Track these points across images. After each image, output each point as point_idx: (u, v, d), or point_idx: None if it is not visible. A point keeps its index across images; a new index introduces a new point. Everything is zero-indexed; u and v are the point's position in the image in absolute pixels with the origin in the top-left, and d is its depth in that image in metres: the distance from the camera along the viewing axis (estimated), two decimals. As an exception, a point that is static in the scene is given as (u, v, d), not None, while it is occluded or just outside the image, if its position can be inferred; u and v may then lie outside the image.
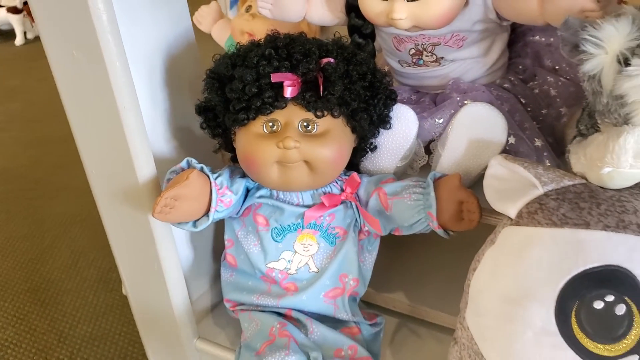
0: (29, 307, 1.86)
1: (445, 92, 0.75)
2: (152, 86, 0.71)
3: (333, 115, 0.64)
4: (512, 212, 0.58)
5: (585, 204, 0.54)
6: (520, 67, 0.80)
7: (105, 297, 1.91)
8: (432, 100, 0.77)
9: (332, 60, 0.64)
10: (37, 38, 3.74)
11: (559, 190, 0.56)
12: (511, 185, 0.59)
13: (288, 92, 0.62)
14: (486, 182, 0.61)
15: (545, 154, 0.71)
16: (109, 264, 2.05)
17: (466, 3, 0.69)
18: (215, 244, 0.84)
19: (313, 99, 0.63)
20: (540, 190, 0.56)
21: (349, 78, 0.64)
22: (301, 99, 0.63)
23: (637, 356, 0.49)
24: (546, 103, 0.77)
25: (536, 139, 0.71)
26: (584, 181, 0.56)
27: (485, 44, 0.75)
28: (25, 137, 2.89)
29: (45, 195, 2.45)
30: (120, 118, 0.64)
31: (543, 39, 0.80)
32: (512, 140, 0.69)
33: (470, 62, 0.75)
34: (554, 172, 0.58)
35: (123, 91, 0.63)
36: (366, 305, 0.80)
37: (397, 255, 0.86)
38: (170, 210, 0.63)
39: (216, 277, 0.82)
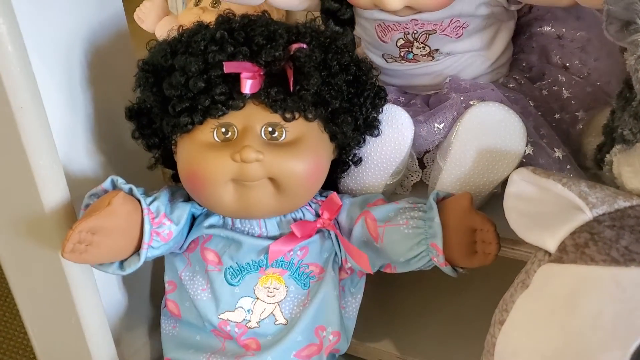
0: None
1: (442, 91, 0.65)
2: (71, 84, 0.61)
3: (306, 118, 0.55)
4: (552, 244, 0.47)
5: (656, 233, 0.43)
6: (524, 64, 0.71)
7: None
8: (425, 103, 0.67)
9: (304, 45, 0.53)
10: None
11: (614, 215, 0.46)
12: (544, 208, 0.49)
13: (247, 86, 0.52)
14: (509, 204, 0.51)
15: (568, 167, 0.61)
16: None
17: (470, -21, 0.60)
18: (155, 284, 0.73)
19: (280, 96, 0.53)
20: (589, 215, 0.46)
21: (328, 70, 0.55)
22: (265, 97, 0.53)
23: None
24: (559, 106, 0.68)
25: (556, 149, 0.62)
26: (645, 201, 0.46)
27: (489, 33, 0.65)
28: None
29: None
30: (17, 123, 0.51)
31: (553, 30, 0.70)
32: (529, 150, 0.59)
33: (470, 56, 0.65)
34: (603, 190, 0.47)
35: (19, 86, 0.50)
36: (346, 358, 0.70)
37: (383, 294, 0.77)
38: (86, 248, 0.53)
39: (156, 327, 0.70)
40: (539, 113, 0.66)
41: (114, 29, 0.64)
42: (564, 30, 0.69)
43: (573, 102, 0.67)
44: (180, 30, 0.56)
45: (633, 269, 0.42)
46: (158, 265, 0.69)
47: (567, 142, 0.67)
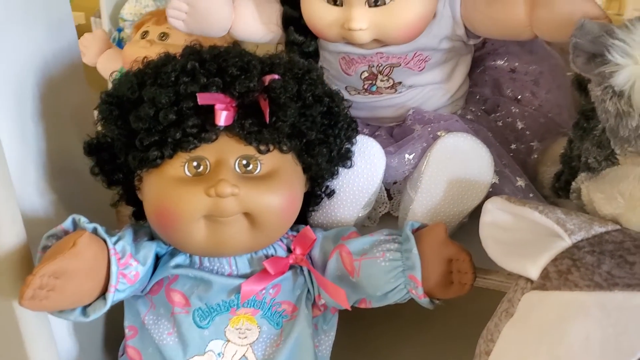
0: None
1: (406, 123, 0.64)
2: (22, 117, 0.56)
3: (281, 150, 0.52)
4: (534, 271, 0.46)
5: (635, 257, 0.42)
6: (478, 96, 0.72)
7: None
8: (389, 134, 0.66)
9: (276, 76, 0.51)
10: None
11: (592, 241, 0.45)
12: (521, 235, 0.48)
13: (222, 118, 0.48)
14: (484, 233, 0.50)
15: (531, 195, 0.61)
16: None
17: (434, 15, 0.59)
18: (110, 329, 0.66)
19: (255, 128, 0.50)
20: (568, 242, 0.45)
21: (302, 101, 0.52)
22: (239, 129, 0.50)
23: None
24: (514, 137, 0.68)
25: (518, 178, 0.62)
26: (618, 227, 0.46)
27: (449, 67, 0.65)
28: None
29: None
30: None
31: (506, 64, 0.71)
32: (495, 179, 0.59)
33: (431, 88, 0.65)
34: (578, 216, 0.47)
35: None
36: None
37: (356, 330, 0.72)
38: (47, 294, 0.46)
39: (112, 376, 0.64)
40: (497, 143, 0.66)
41: (68, 60, 0.60)
42: (517, 64, 0.70)
43: (527, 132, 0.68)
44: (147, 62, 0.53)
45: (617, 293, 0.41)
46: (113, 309, 0.59)
47: (524, 172, 0.67)
